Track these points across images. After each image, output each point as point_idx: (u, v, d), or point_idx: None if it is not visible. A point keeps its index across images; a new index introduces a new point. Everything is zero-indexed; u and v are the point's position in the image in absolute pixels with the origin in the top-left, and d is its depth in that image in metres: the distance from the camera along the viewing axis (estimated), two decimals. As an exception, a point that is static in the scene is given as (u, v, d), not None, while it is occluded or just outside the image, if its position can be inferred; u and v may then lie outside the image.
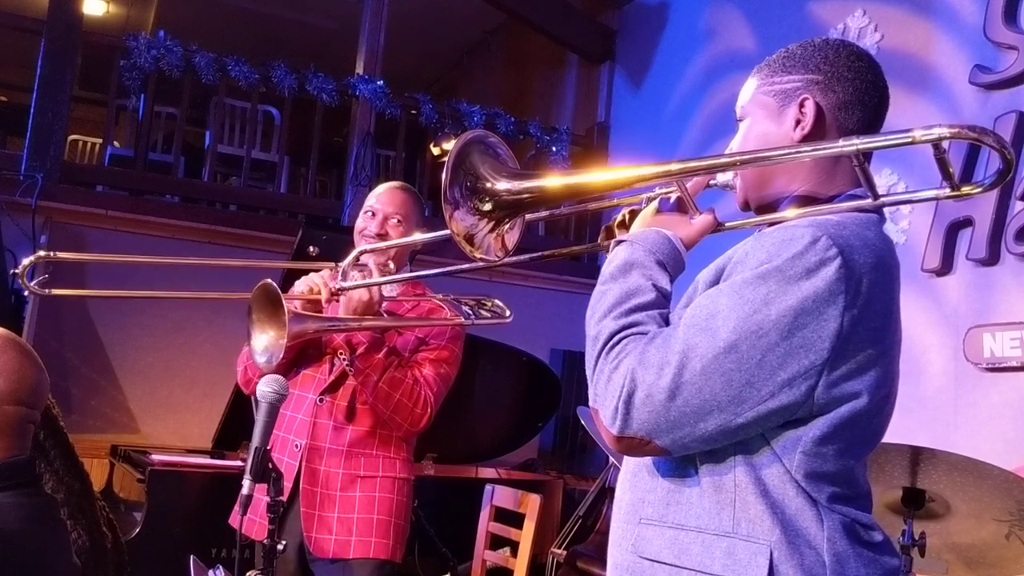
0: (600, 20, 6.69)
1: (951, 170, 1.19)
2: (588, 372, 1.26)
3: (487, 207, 1.35)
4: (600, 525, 3.49)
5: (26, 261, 2.30)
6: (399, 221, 2.50)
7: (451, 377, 2.49)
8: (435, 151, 6.19)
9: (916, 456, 2.18)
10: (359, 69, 5.96)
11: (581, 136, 6.59)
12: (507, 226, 1.40)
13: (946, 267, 3.76)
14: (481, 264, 1.42)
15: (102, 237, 4.97)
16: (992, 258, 3.58)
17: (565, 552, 3.46)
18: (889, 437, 1.36)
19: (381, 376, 2.32)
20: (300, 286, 2.34)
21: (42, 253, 2.34)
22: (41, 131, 4.93)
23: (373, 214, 2.52)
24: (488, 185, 1.35)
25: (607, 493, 3.58)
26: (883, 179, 3.94)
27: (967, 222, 3.69)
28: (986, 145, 1.13)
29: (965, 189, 1.22)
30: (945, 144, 1.14)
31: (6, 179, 4.77)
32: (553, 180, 1.37)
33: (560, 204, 1.46)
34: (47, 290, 2.36)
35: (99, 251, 4.92)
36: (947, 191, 1.22)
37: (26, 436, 1.70)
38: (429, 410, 2.39)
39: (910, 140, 1.14)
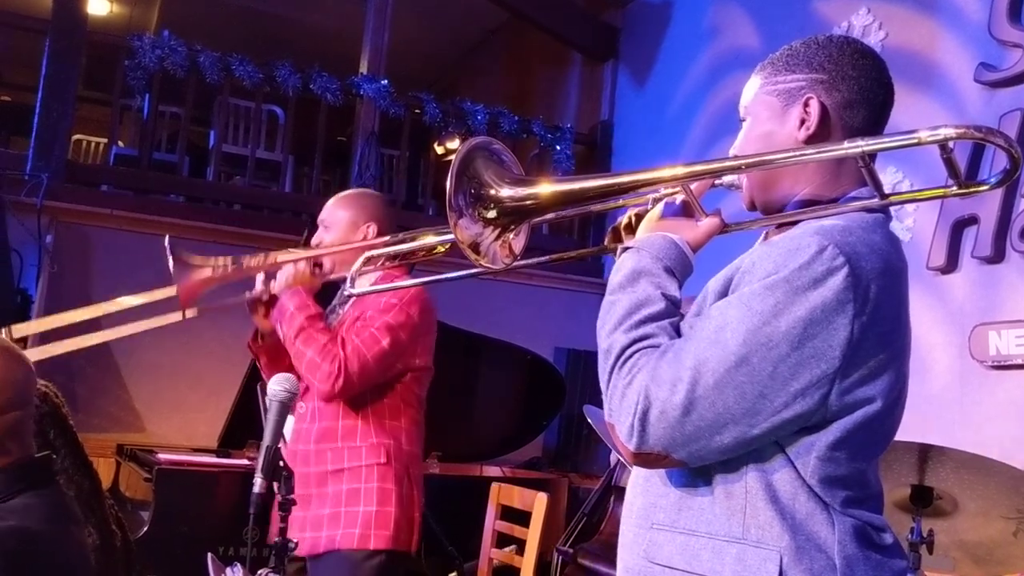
0: (603, 18, 6.69)
1: (959, 169, 1.19)
2: (602, 385, 1.26)
3: (492, 214, 1.34)
4: (606, 523, 3.49)
5: None
6: (325, 227, 2.60)
7: (379, 344, 2.37)
8: (439, 150, 6.20)
9: (924, 454, 2.19)
10: (363, 68, 5.96)
11: (584, 135, 6.58)
12: (513, 233, 1.39)
13: (951, 265, 3.76)
14: (486, 271, 1.42)
15: (107, 237, 4.98)
16: (997, 256, 3.58)
17: (571, 550, 3.46)
18: (896, 435, 1.37)
19: (297, 335, 2.34)
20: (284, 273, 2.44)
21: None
22: (46, 131, 4.94)
23: None
24: (492, 192, 1.33)
25: (612, 491, 3.58)
26: (888, 177, 3.93)
27: (972, 220, 3.69)
28: (993, 144, 1.13)
29: (972, 188, 1.22)
30: (951, 144, 1.14)
31: (11, 179, 4.78)
32: (556, 186, 1.36)
33: (565, 209, 1.45)
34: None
35: (104, 250, 4.93)
36: (954, 189, 1.22)
37: (28, 434, 1.70)
38: (339, 369, 2.30)
39: (916, 141, 1.14)
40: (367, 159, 5.75)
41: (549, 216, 1.55)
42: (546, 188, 1.35)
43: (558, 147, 6.27)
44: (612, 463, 3.64)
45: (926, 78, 4.01)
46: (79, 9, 5.15)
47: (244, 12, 7.81)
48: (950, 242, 3.76)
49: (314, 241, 2.60)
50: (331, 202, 2.64)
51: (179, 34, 5.43)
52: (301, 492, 2.33)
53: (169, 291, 2.34)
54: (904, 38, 4.19)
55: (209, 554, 1.77)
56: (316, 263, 2.48)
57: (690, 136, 5.60)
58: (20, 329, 2.47)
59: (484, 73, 8.62)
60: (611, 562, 3.17)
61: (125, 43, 5.34)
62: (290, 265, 2.42)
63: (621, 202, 1.52)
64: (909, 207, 3.96)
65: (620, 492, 3.44)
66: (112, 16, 8.09)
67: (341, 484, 2.38)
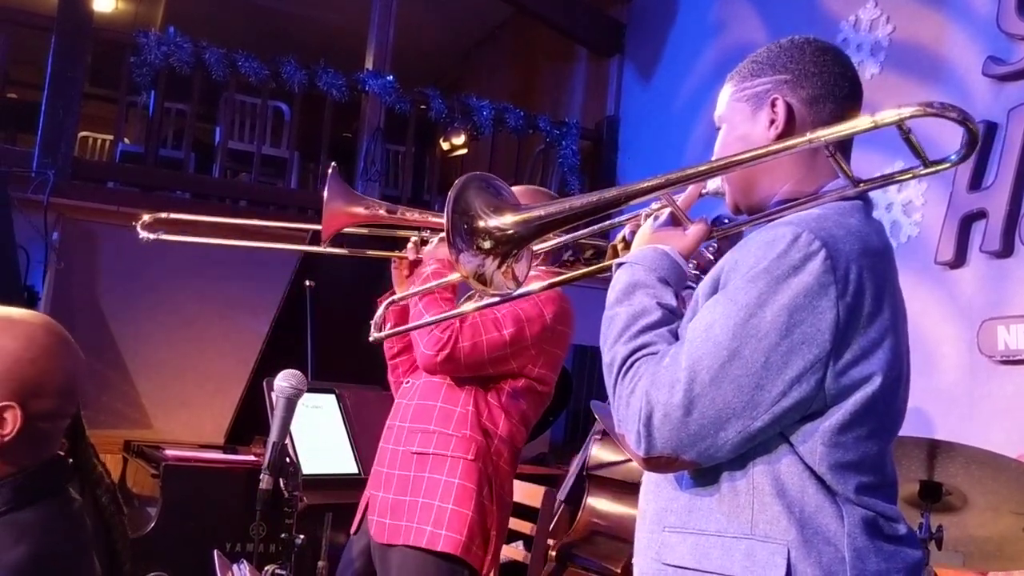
0: (609, 13, 6.67)
1: (920, 149, 1.21)
2: (610, 398, 1.29)
3: (488, 244, 1.36)
4: (582, 512, 3.46)
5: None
6: None
7: (499, 331, 2.21)
8: (445, 146, 6.20)
9: (933, 449, 2.18)
10: (368, 64, 5.96)
11: (590, 130, 6.57)
12: (513, 260, 1.41)
13: (960, 259, 3.74)
14: (497, 300, 1.43)
15: (113, 233, 4.98)
16: (1006, 250, 3.56)
17: (556, 542, 3.45)
18: (905, 430, 1.37)
19: (423, 297, 2.21)
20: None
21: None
22: (52, 128, 4.94)
23: None
24: (482, 224, 1.36)
25: (588, 480, 3.52)
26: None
27: (980, 214, 3.67)
28: (949, 119, 1.15)
29: (938, 165, 1.24)
30: (907, 125, 1.16)
31: (18, 176, 4.78)
32: (543, 210, 1.38)
33: (560, 231, 1.46)
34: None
35: (110, 247, 4.94)
36: (921, 169, 1.24)
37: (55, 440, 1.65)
38: (448, 339, 2.15)
39: (872, 124, 1.18)
40: (373, 155, 5.75)
41: (551, 242, 1.58)
42: (533, 213, 1.37)
43: (564, 143, 6.26)
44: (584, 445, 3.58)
45: (934, 72, 3.99)
46: (84, 6, 5.15)
47: (249, 8, 7.80)
48: (958, 237, 3.74)
49: None
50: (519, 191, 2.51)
51: (184, 31, 5.43)
52: (385, 470, 2.28)
53: (313, 225, 2.25)
54: (912, 32, 4.17)
55: (215, 551, 1.77)
56: None
57: (696, 131, 5.58)
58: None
59: (489, 69, 8.61)
60: (590, 554, 3.16)
61: (131, 40, 5.34)
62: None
63: (615, 220, 1.57)
64: (917, 202, 3.96)
65: (594, 481, 3.42)
66: (117, 13, 8.09)
67: (424, 471, 2.22)
